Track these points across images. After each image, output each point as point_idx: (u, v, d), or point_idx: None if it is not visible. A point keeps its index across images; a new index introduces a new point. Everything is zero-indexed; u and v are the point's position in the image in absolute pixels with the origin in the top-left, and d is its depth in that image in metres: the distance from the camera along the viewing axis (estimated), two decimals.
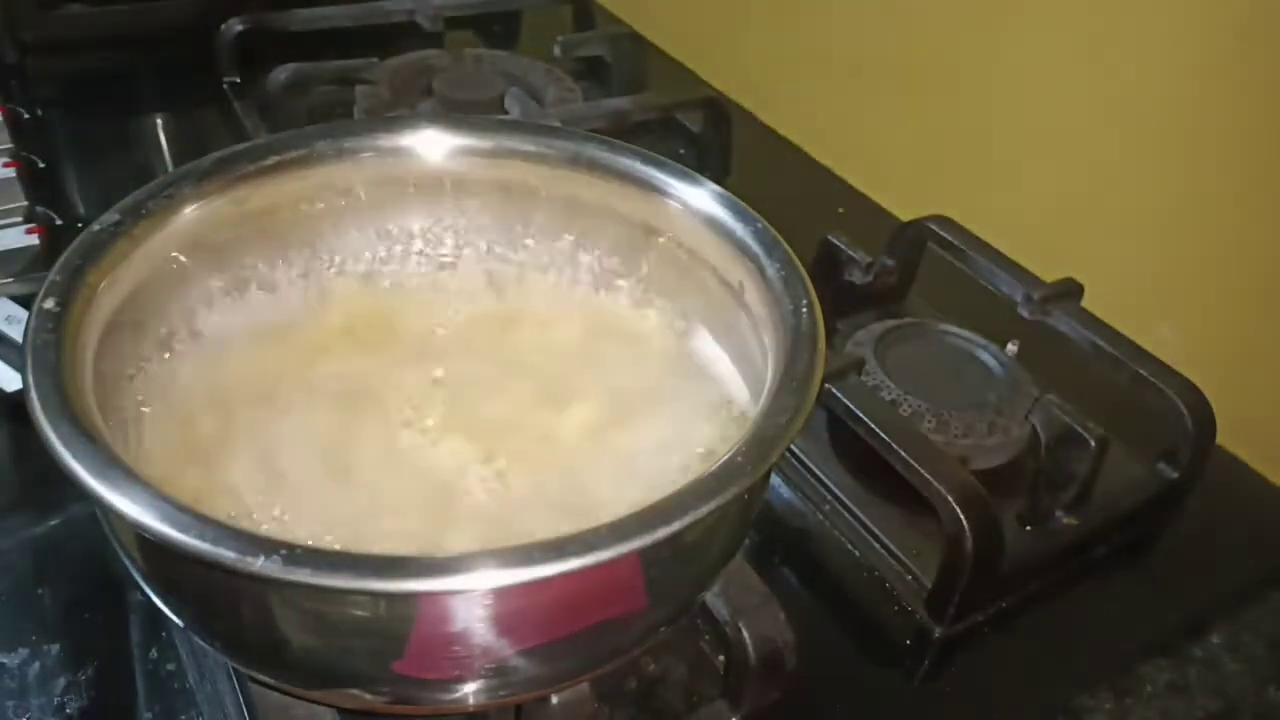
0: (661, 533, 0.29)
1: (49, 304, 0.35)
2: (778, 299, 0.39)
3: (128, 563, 0.34)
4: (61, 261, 0.36)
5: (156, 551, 0.32)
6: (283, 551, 0.27)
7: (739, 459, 0.32)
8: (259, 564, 0.27)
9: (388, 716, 0.40)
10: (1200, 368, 0.55)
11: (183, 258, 0.41)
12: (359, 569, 0.27)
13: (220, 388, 0.42)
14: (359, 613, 0.30)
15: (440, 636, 0.30)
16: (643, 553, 0.29)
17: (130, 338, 0.39)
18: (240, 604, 0.31)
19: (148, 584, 0.34)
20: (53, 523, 0.49)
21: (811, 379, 0.35)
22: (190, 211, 0.41)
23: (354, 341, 0.45)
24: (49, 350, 0.33)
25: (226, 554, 0.27)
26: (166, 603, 0.34)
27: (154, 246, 0.40)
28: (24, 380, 0.32)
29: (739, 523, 0.37)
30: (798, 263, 0.40)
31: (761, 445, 0.32)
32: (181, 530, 0.28)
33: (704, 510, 0.30)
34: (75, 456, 0.30)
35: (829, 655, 0.47)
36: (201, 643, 0.35)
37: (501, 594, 0.29)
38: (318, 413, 0.41)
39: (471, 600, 0.29)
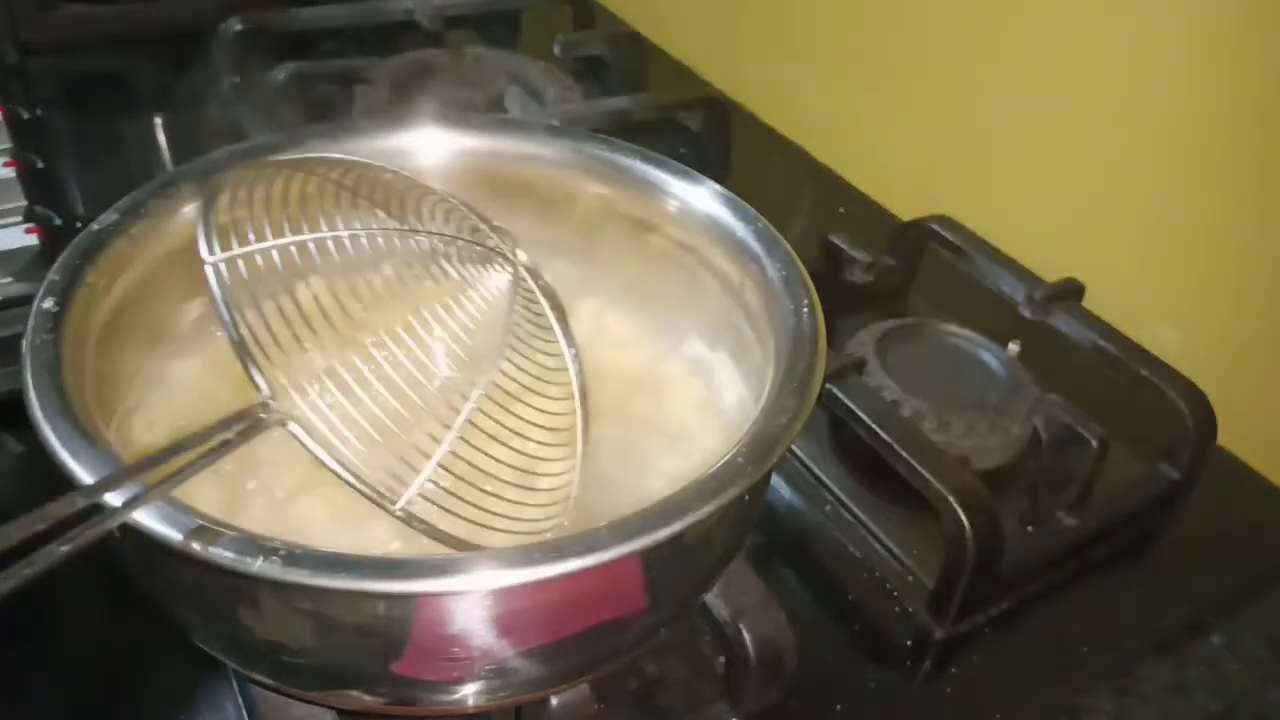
0: (662, 533, 0.29)
1: (49, 304, 0.35)
2: (778, 299, 0.39)
3: (127, 563, 0.34)
4: (61, 261, 0.36)
5: (156, 552, 0.32)
6: (282, 552, 0.27)
7: (739, 459, 0.32)
8: (258, 565, 0.27)
9: (387, 717, 0.40)
10: (1200, 368, 0.55)
11: (184, 256, 0.41)
12: (359, 570, 0.27)
13: (219, 387, 0.42)
14: (358, 614, 0.30)
15: (440, 637, 0.30)
16: (643, 553, 0.29)
17: (130, 338, 0.39)
18: (240, 605, 0.31)
19: (148, 585, 0.34)
20: None
21: (812, 379, 0.35)
22: (190, 211, 0.41)
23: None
24: (49, 350, 0.33)
25: (226, 554, 0.27)
26: (166, 603, 0.34)
27: (154, 246, 0.40)
28: (24, 380, 0.32)
29: (739, 523, 0.37)
30: (798, 262, 0.40)
31: (761, 445, 0.32)
32: (181, 530, 0.28)
33: (704, 511, 0.30)
34: (75, 456, 0.30)
35: (829, 656, 0.47)
36: (201, 643, 0.35)
37: (501, 595, 0.29)
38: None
39: (471, 601, 0.29)
